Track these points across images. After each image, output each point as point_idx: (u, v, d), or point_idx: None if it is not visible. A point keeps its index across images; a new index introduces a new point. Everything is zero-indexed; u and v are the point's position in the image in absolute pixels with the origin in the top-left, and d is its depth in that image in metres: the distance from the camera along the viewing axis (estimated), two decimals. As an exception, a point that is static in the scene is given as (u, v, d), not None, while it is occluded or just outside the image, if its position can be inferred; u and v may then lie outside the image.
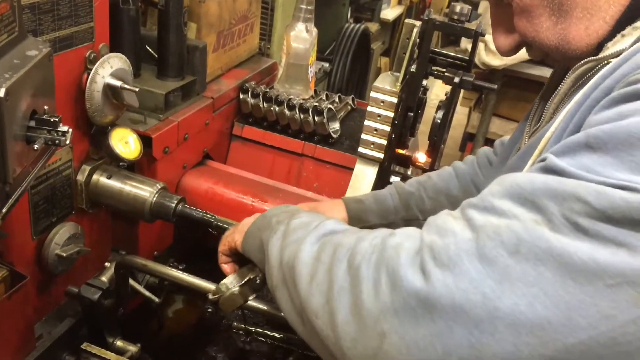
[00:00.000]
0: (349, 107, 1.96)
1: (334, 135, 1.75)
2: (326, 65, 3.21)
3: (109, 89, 1.20)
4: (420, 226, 1.26)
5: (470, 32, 1.37)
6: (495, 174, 1.04)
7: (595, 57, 0.76)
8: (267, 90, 1.79)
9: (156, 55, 1.57)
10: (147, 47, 1.58)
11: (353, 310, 0.66)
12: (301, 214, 0.91)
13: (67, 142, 0.83)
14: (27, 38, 0.84)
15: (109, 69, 1.20)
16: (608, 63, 0.72)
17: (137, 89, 1.22)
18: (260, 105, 1.76)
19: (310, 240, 0.79)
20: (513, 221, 0.60)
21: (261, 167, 1.80)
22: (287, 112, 1.74)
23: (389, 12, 4.09)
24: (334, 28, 3.44)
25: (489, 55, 2.66)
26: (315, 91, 1.95)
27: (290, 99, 1.75)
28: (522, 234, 0.58)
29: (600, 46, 0.78)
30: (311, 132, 1.75)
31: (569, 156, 0.62)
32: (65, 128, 0.83)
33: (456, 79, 1.42)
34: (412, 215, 1.30)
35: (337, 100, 1.94)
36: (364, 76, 3.76)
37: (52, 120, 0.82)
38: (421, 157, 1.78)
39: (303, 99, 1.82)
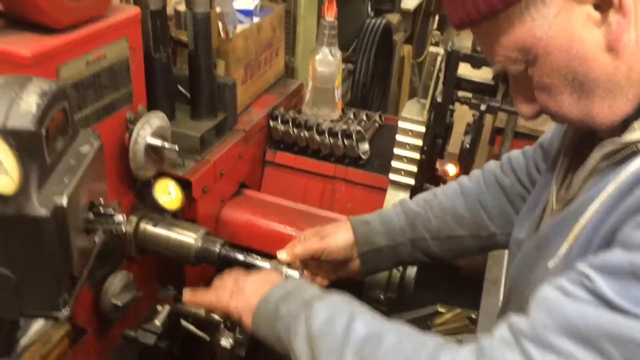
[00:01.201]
0: (377, 124, 2.00)
1: (364, 157, 1.79)
2: (350, 65, 3.23)
3: (150, 148, 1.26)
4: (427, 245, 1.31)
5: (495, 62, 1.39)
6: (521, 228, 1.06)
7: (622, 141, 0.78)
8: (296, 115, 1.83)
9: (188, 95, 1.62)
10: (179, 86, 1.64)
11: None
12: (314, 305, 0.93)
13: (123, 230, 0.90)
14: (78, 133, 0.90)
15: (149, 129, 1.26)
16: (638, 150, 0.75)
17: (176, 147, 1.28)
18: (291, 132, 1.81)
19: (350, 356, 0.82)
20: None
21: (295, 191, 1.85)
22: (317, 137, 1.79)
23: (410, 2, 4.06)
24: (355, 24, 3.44)
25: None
26: (342, 110, 1.99)
27: (319, 123, 1.79)
28: None
29: (626, 122, 0.80)
30: (342, 155, 1.79)
31: (617, 282, 0.65)
32: (120, 218, 0.89)
33: (482, 107, 1.44)
34: (418, 235, 1.32)
35: (364, 118, 1.97)
36: (387, 69, 3.77)
37: (108, 213, 0.88)
38: (451, 169, 1.81)
39: (331, 121, 1.86)
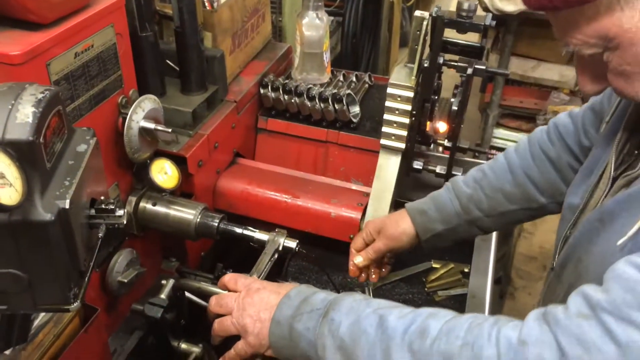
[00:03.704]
0: (367, 85, 2.01)
1: (355, 120, 1.82)
2: (338, 18, 3.20)
3: (144, 131, 1.29)
4: (482, 222, 1.38)
5: (480, 26, 1.40)
6: (575, 195, 1.07)
7: None
8: (286, 81, 1.84)
9: (177, 68, 1.63)
10: (167, 61, 1.64)
11: None
12: (330, 314, 0.95)
13: (124, 222, 0.94)
14: (74, 132, 0.93)
15: (142, 112, 1.28)
16: None
17: (170, 130, 1.30)
18: (281, 98, 1.82)
19: (397, 351, 0.84)
20: None
21: (288, 157, 1.89)
22: (308, 103, 1.80)
23: (396, -55, 3.96)
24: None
25: (503, 0, 2.62)
26: (332, 72, 2.00)
27: (309, 89, 1.80)
28: None
29: None
30: (333, 119, 1.82)
31: None
32: (121, 212, 0.93)
33: (469, 70, 1.46)
34: (473, 216, 1.39)
35: (354, 79, 1.99)
36: (377, 16, 3.72)
37: (109, 208, 0.92)
38: (441, 126, 1.83)
39: (321, 85, 1.88)
